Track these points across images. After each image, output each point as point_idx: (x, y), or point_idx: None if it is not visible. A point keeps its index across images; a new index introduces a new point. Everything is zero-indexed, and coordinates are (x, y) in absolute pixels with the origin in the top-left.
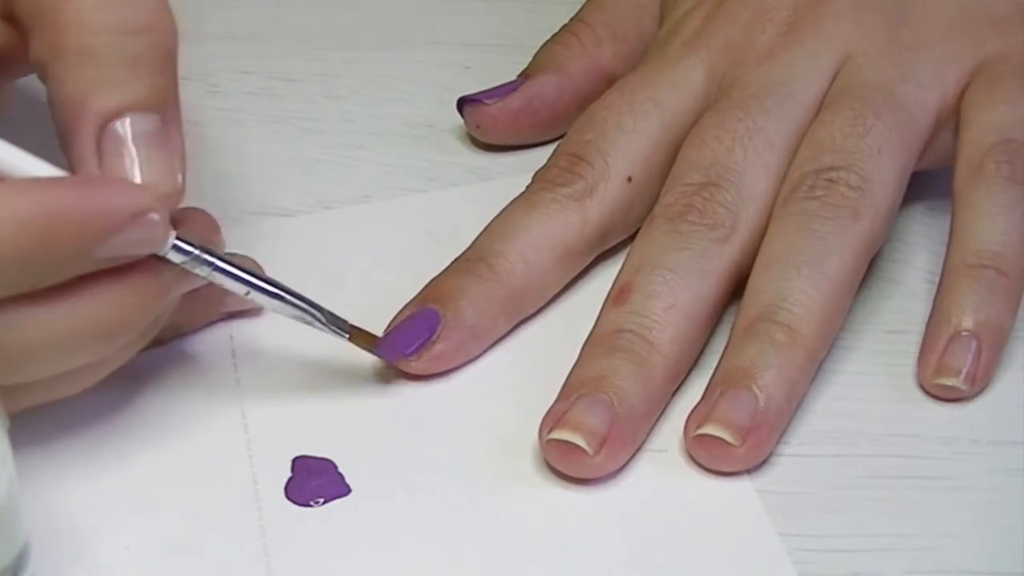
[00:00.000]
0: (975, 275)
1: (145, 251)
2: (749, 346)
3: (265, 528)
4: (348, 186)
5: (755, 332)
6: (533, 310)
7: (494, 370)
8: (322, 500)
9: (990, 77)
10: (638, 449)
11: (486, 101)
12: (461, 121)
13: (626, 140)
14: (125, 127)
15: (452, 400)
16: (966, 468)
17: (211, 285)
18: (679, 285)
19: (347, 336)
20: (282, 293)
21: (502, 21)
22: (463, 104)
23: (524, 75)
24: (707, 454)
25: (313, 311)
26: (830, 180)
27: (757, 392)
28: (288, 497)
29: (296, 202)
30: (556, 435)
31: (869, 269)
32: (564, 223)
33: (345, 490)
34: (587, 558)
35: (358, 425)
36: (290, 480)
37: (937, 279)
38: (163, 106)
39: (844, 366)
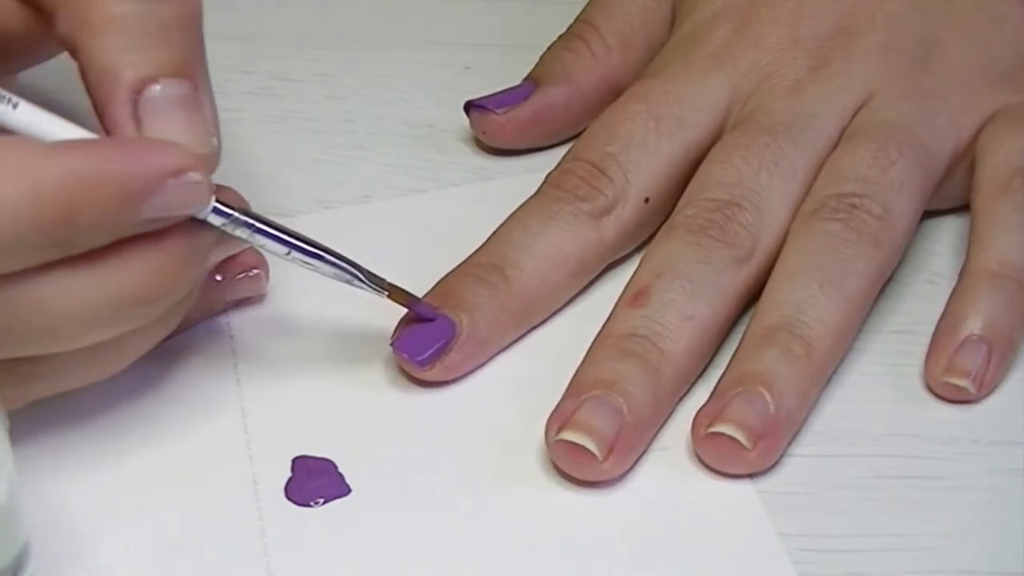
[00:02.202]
0: (996, 283)
1: (188, 211)
2: (765, 353)
3: (265, 528)
4: (348, 186)
5: (772, 340)
6: (540, 320)
7: (495, 371)
8: (322, 500)
9: (1007, 118)
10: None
11: (495, 110)
12: (461, 121)
13: (648, 160)
14: (159, 93)
15: (452, 400)
16: (966, 468)
17: (213, 272)
18: (697, 298)
19: (386, 293)
20: (322, 252)
21: (502, 21)
22: (469, 109)
23: (532, 79)
24: (716, 453)
25: (352, 269)
26: (852, 205)
27: (770, 398)
28: (288, 497)
29: (296, 202)
30: (565, 435)
31: None
32: (581, 240)
33: (345, 490)
34: (587, 558)
35: (358, 425)
36: (290, 480)
37: (939, 281)
38: (193, 72)
39: (846, 367)
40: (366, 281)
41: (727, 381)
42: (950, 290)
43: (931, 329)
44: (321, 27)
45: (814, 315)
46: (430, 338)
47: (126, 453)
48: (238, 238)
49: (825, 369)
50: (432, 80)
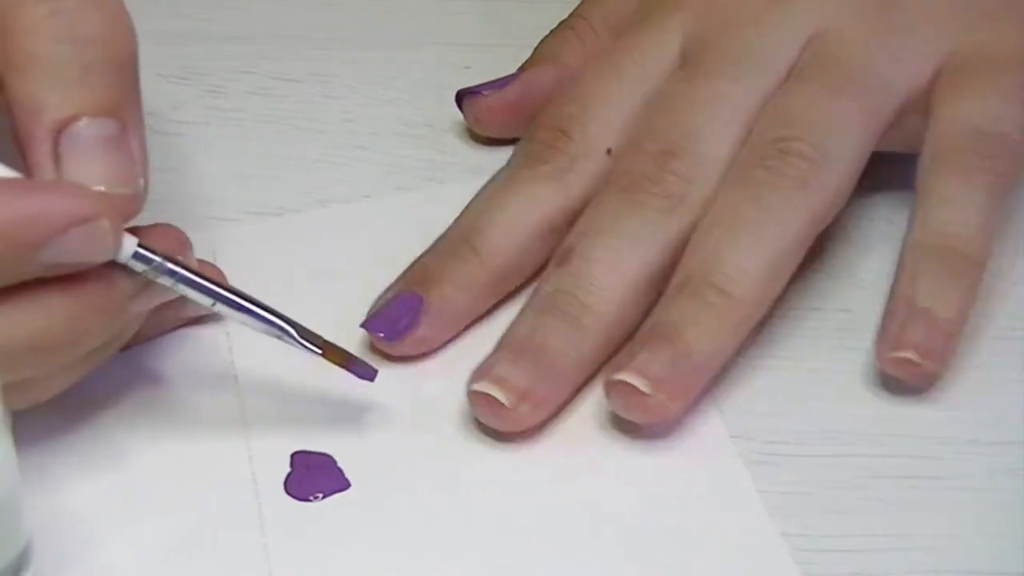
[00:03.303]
0: (938, 256)
1: (95, 258)
2: (679, 303)
3: (265, 524)
4: (348, 186)
5: (687, 290)
6: (516, 286)
7: None
8: (321, 495)
9: (962, 71)
10: (603, 427)
11: (484, 92)
12: (461, 120)
13: (606, 111)
14: (81, 131)
15: (451, 395)
16: (966, 468)
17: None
18: (622, 251)
19: (320, 352)
20: (251, 306)
21: (502, 21)
22: (462, 97)
23: (522, 67)
24: (620, 401)
25: (283, 325)
26: (783, 151)
27: (680, 347)
28: (288, 492)
29: (296, 202)
30: (477, 387)
31: (869, 269)
32: (545, 200)
33: (344, 485)
34: (587, 557)
35: (357, 420)
36: (289, 475)
37: None
38: (121, 111)
39: (844, 366)
40: (297, 338)
41: (641, 332)
42: None
43: None
44: (321, 27)
45: (731, 264)
46: (398, 313)
47: (125, 451)
48: (162, 286)
49: (743, 319)
50: (432, 80)
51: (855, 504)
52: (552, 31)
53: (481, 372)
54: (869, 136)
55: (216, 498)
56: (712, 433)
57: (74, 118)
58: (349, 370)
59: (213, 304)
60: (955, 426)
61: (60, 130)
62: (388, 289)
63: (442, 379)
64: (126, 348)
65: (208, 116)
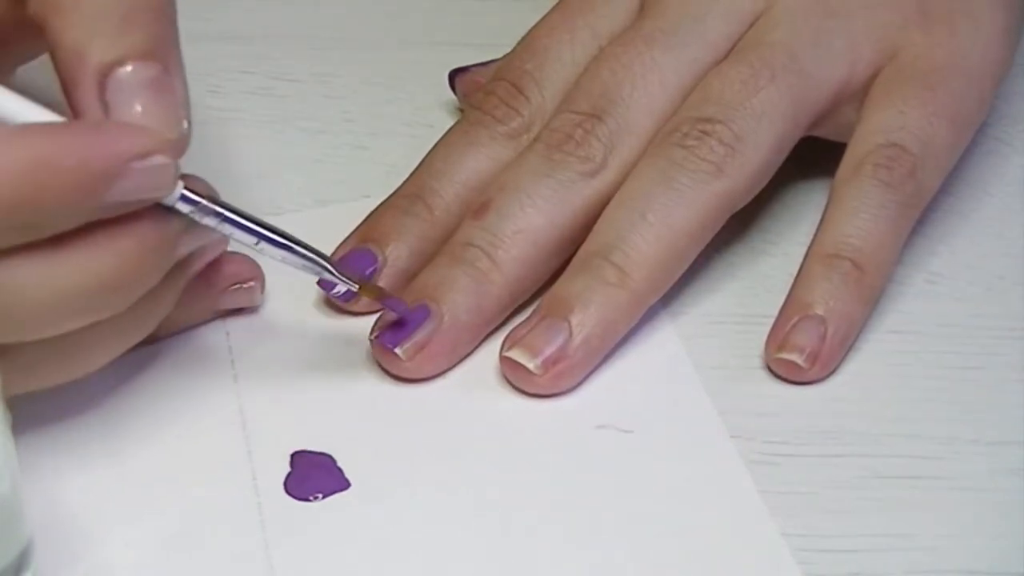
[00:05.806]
0: (831, 264)
1: (153, 196)
2: (578, 279)
3: (265, 523)
4: (348, 186)
5: (587, 266)
6: None
7: (491, 360)
8: (321, 495)
9: (897, 76)
10: (602, 426)
11: (471, 68)
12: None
13: (563, 74)
14: (127, 75)
15: (450, 392)
16: (966, 468)
17: (205, 281)
18: (534, 211)
19: (356, 287)
20: (292, 244)
21: (502, 21)
22: (455, 77)
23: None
24: (512, 375)
25: (323, 262)
26: (704, 132)
27: (572, 325)
28: (288, 492)
29: (295, 202)
30: (375, 336)
31: None
32: (500, 163)
33: (344, 484)
34: (586, 557)
35: (357, 419)
36: (289, 475)
37: (938, 280)
38: (163, 54)
39: (844, 366)
40: (336, 274)
41: (539, 305)
42: (950, 290)
43: (931, 328)
44: (321, 27)
45: (633, 244)
46: (352, 268)
47: (125, 451)
48: (206, 227)
49: (639, 299)
50: (432, 80)
51: (855, 504)
52: None
53: (384, 322)
54: (794, 126)
55: (216, 498)
56: (712, 433)
57: (120, 61)
58: (383, 304)
59: (257, 243)
60: (955, 426)
61: (106, 74)
62: (344, 243)
63: (442, 379)
64: (158, 339)
65: (208, 116)
